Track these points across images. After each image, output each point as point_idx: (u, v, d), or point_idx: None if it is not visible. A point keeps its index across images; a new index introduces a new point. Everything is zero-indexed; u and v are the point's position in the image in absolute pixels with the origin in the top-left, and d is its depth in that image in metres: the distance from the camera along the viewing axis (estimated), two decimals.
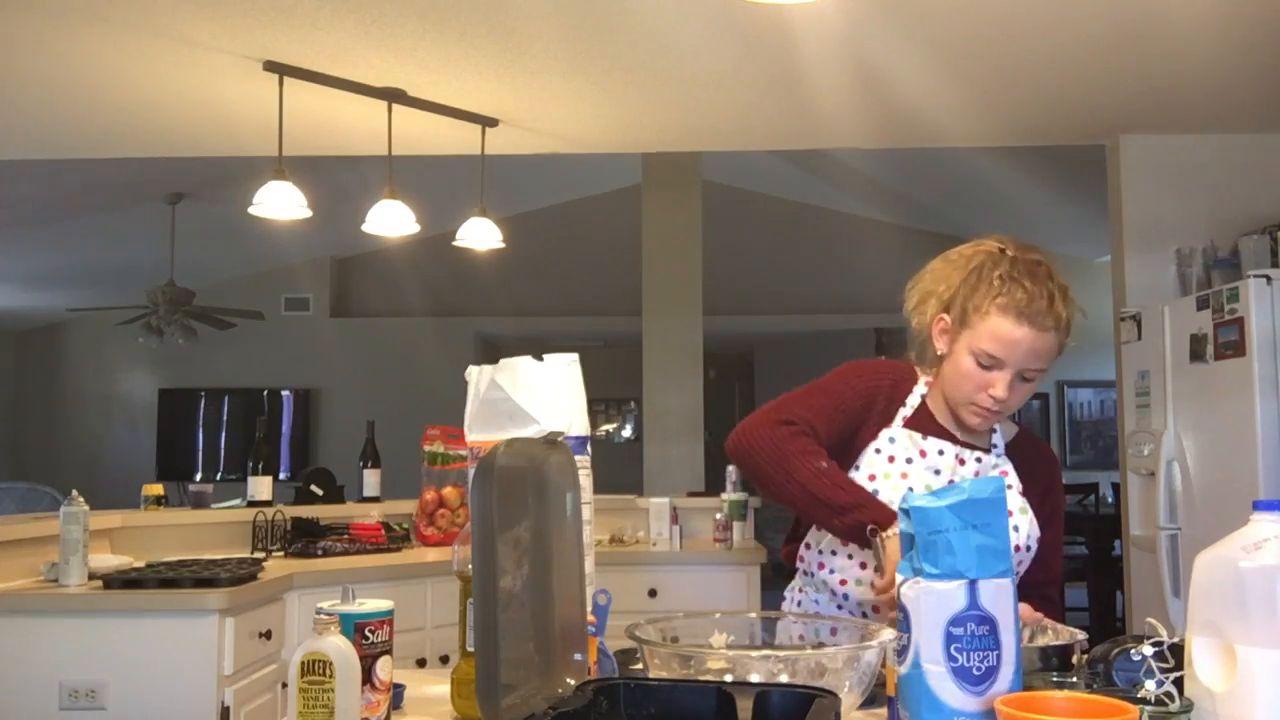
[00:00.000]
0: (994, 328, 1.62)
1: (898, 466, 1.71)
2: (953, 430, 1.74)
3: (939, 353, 1.72)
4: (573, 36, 3.41)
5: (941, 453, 1.72)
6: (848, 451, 1.73)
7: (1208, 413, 3.64)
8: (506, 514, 1.11)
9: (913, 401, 1.76)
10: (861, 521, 1.59)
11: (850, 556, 1.71)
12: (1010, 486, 1.72)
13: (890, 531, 1.56)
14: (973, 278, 1.69)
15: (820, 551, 1.76)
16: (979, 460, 1.74)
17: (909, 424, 1.74)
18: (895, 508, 1.55)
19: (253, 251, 8.63)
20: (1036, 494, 1.76)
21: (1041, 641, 1.43)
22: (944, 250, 1.86)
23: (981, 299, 1.65)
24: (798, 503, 1.66)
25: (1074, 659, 1.31)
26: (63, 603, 2.69)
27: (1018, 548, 1.67)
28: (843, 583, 1.72)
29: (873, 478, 1.71)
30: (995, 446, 1.77)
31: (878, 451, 1.73)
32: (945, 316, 1.70)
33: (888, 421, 1.74)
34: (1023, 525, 1.69)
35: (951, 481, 1.70)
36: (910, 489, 1.68)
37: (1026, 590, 1.57)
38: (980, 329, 1.63)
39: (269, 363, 9.35)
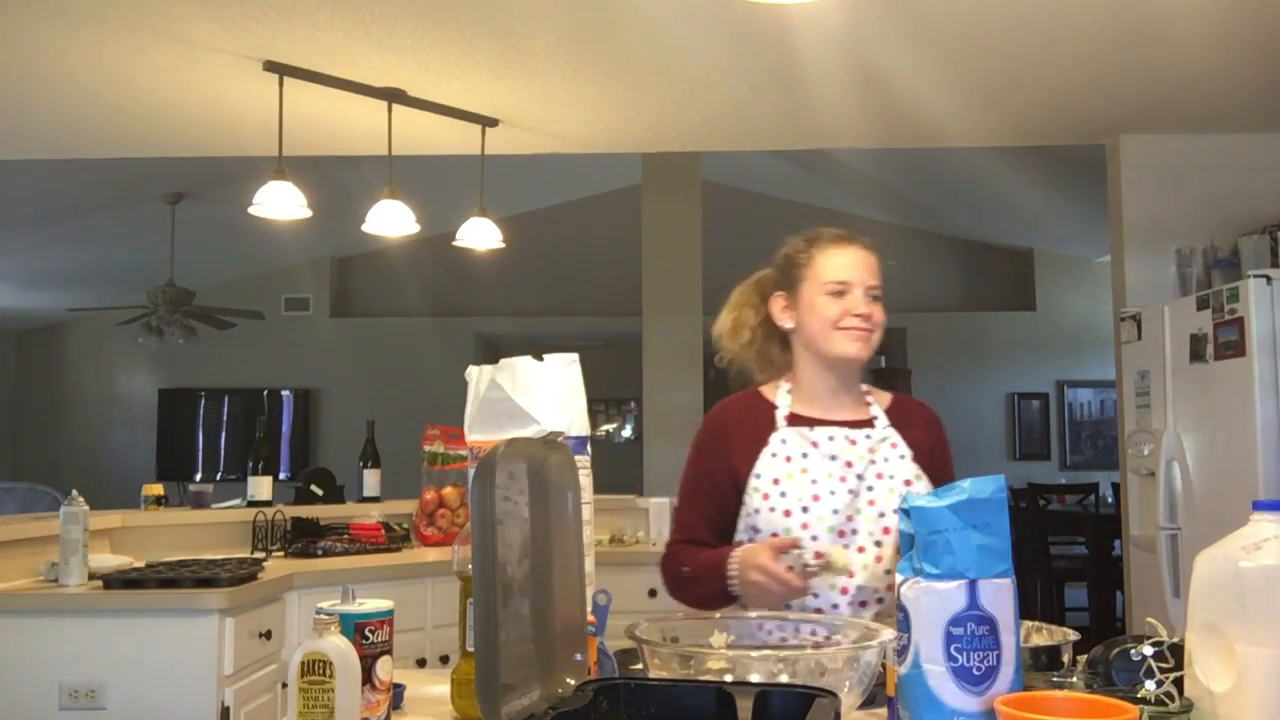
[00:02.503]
0: (828, 261, 1.79)
1: (796, 464, 1.76)
2: (830, 415, 1.82)
3: (788, 326, 1.84)
4: (573, 36, 3.41)
5: (831, 438, 1.79)
6: (741, 482, 1.79)
7: (1208, 413, 3.64)
8: (506, 514, 1.11)
9: (783, 402, 1.83)
10: (730, 578, 1.69)
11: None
12: (904, 456, 1.80)
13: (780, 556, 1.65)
14: (779, 265, 1.86)
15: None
16: (868, 436, 1.80)
17: (791, 421, 1.81)
18: (798, 505, 1.71)
19: (253, 251, 8.63)
20: (924, 450, 1.83)
21: (1036, 641, 1.43)
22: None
23: (799, 259, 1.82)
24: (705, 603, 1.76)
25: (1064, 659, 1.31)
26: (63, 603, 2.69)
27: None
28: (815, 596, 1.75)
29: (776, 481, 1.76)
30: (877, 419, 1.84)
31: (774, 455, 1.78)
32: (778, 296, 1.84)
33: (759, 437, 1.80)
34: (923, 490, 1.74)
35: (849, 464, 1.76)
36: (814, 480, 1.75)
37: None
38: (817, 271, 1.79)
39: (269, 363, 9.35)
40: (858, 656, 1.21)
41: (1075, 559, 6.66)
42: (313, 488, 4.09)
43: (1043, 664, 1.29)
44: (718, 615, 1.58)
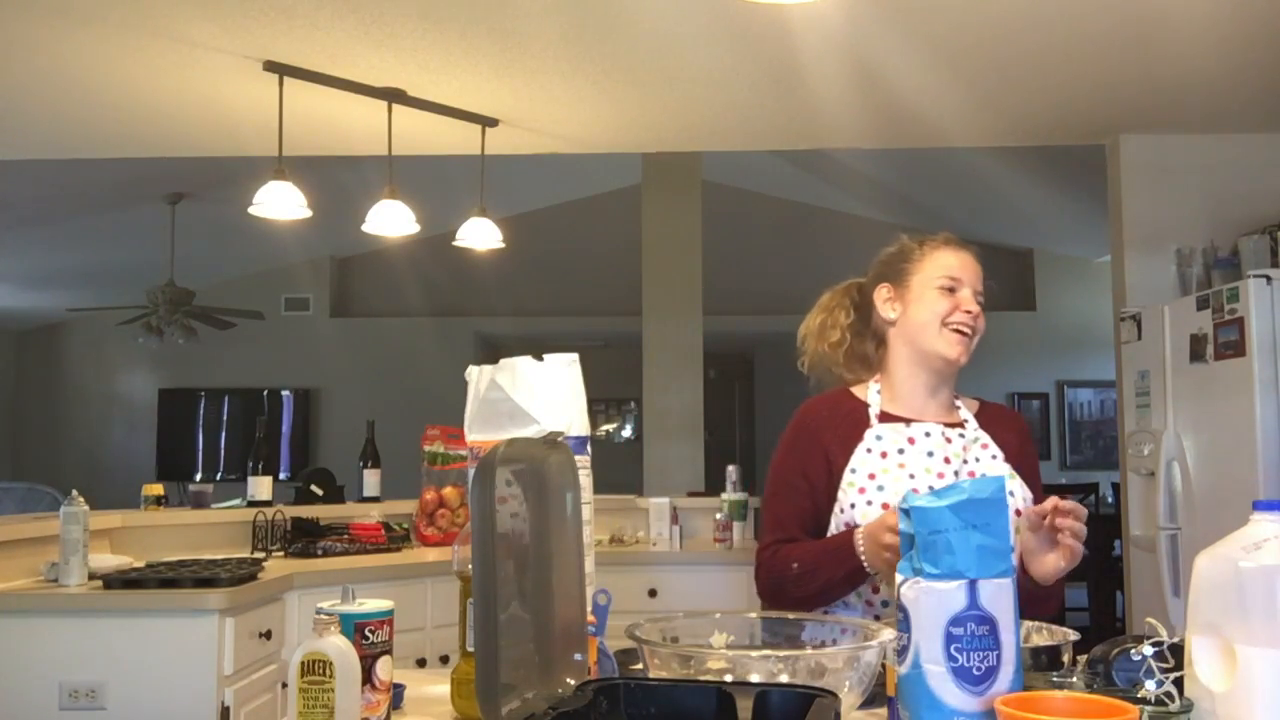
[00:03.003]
0: (942, 258, 1.80)
1: (893, 459, 1.75)
2: (921, 415, 1.81)
3: (889, 318, 1.83)
4: (573, 36, 3.41)
5: (928, 434, 1.78)
6: (835, 478, 1.77)
7: (1208, 413, 3.64)
8: (506, 514, 1.11)
9: (874, 400, 1.82)
10: (856, 563, 1.67)
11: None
12: (995, 457, 1.80)
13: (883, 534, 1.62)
14: (885, 261, 1.85)
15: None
16: (961, 435, 1.80)
17: (883, 419, 1.80)
18: (895, 500, 1.66)
19: (253, 251, 8.63)
20: (1014, 453, 1.83)
21: (1036, 641, 1.43)
22: None
23: (911, 253, 1.81)
24: (820, 597, 1.74)
25: (1064, 658, 1.31)
26: (63, 603, 2.69)
27: (1018, 511, 1.73)
28: (875, 590, 1.75)
29: (872, 476, 1.74)
30: (967, 421, 1.84)
31: (869, 451, 1.76)
32: (883, 286, 1.83)
33: (854, 433, 1.79)
34: (1017, 490, 1.76)
35: (947, 460, 1.76)
36: (911, 475, 1.73)
37: None
38: (930, 267, 1.80)
39: (269, 363, 9.35)
40: (858, 656, 1.21)
41: None
42: (313, 488, 4.09)
43: (1043, 664, 1.29)
44: (717, 615, 1.58)
